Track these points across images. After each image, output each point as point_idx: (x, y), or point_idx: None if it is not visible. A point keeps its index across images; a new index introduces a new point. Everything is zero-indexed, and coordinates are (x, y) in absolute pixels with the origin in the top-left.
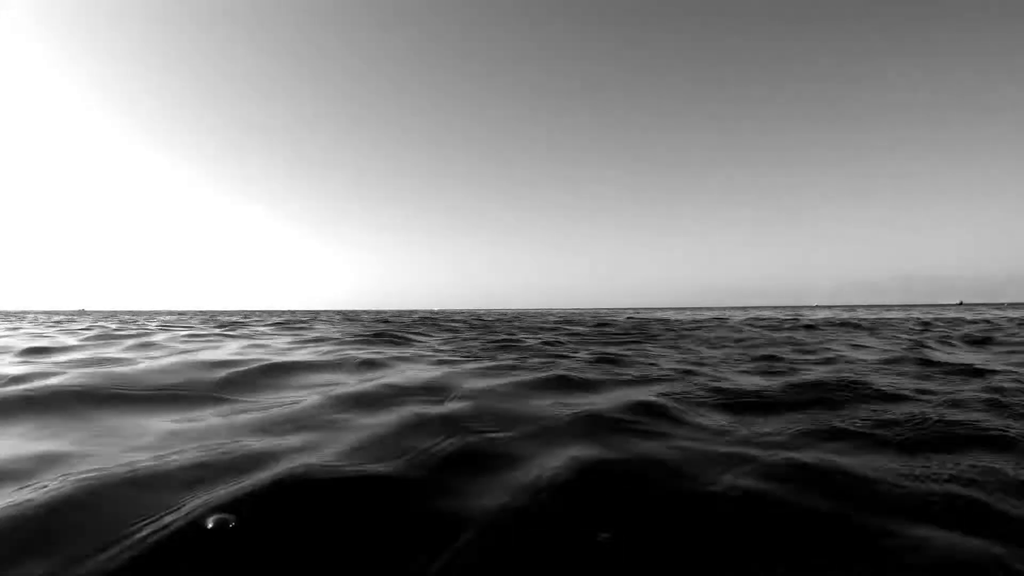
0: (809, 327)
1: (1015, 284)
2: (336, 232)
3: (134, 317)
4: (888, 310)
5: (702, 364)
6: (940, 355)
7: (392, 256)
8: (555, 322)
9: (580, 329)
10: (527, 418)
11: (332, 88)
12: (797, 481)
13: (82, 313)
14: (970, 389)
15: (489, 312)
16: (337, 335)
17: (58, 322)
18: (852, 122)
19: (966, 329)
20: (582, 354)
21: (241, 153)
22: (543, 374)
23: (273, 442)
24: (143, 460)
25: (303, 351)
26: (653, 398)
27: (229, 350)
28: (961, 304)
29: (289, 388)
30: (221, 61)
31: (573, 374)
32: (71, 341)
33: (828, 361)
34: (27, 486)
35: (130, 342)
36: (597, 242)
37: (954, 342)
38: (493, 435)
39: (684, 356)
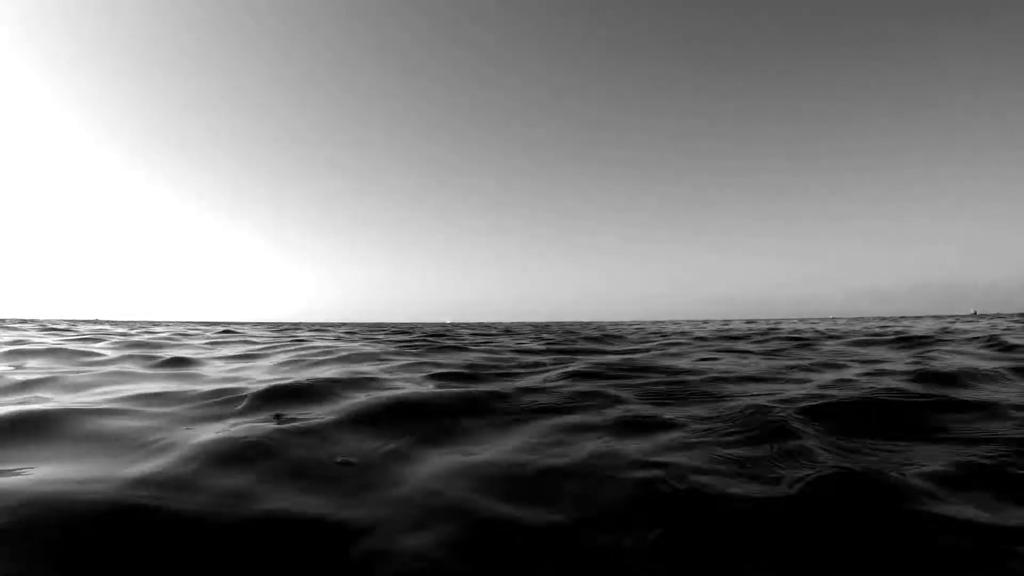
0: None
1: None
2: (307, 245)
3: (196, 328)
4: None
5: None
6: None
7: (345, 268)
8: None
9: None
10: None
11: (304, 94)
12: None
13: (97, 323)
14: None
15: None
16: None
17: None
18: (863, 127)
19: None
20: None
21: (217, 164)
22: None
23: None
24: None
25: None
26: None
27: None
28: (975, 314)
29: None
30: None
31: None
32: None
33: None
34: None
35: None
36: (591, 251)
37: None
38: None
39: None
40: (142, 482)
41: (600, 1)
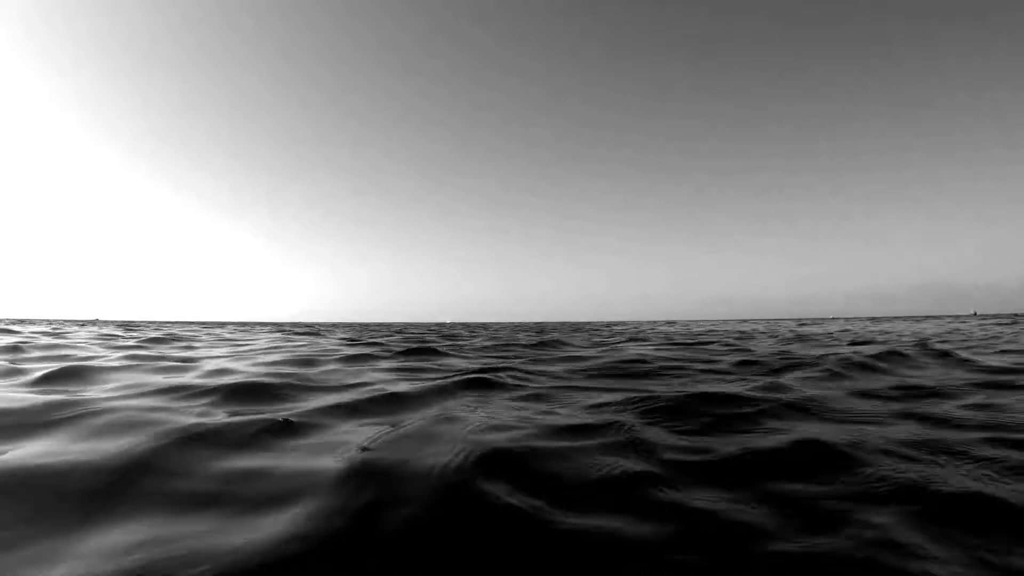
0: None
1: None
2: (311, 247)
3: (197, 328)
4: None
5: None
6: None
7: (345, 267)
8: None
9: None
10: None
11: (305, 92)
12: None
13: (96, 322)
14: None
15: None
16: None
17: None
18: (865, 128)
19: None
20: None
21: (221, 167)
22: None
23: None
24: None
25: None
26: None
27: None
28: (975, 315)
29: None
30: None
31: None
32: None
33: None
34: None
35: None
36: (595, 252)
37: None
38: None
39: None
40: (123, 459)
41: (600, 2)
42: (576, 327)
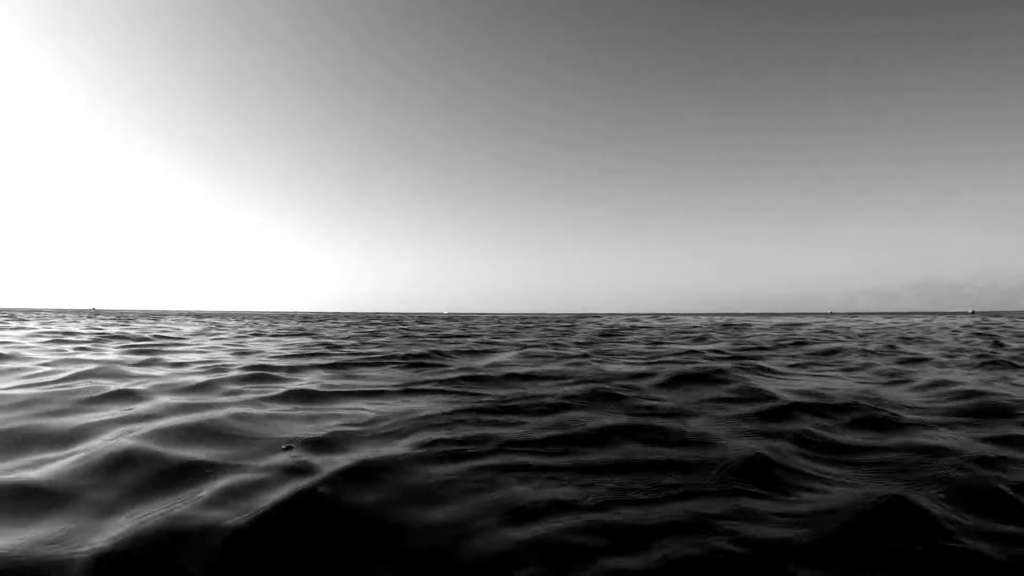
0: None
1: None
2: (328, 236)
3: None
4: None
5: None
6: None
7: (375, 259)
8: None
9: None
10: None
11: (324, 89)
12: None
13: (95, 312)
14: None
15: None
16: None
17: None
18: (864, 125)
19: None
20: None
21: (239, 156)
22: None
23: None
24: None
25: None
26: None
27: None
28: (973, 313)
29: None
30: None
31: None
32: None
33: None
34: None
35: None
36: (597, 247)
37: None
38: None
39: None
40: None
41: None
42: (578, 318)
